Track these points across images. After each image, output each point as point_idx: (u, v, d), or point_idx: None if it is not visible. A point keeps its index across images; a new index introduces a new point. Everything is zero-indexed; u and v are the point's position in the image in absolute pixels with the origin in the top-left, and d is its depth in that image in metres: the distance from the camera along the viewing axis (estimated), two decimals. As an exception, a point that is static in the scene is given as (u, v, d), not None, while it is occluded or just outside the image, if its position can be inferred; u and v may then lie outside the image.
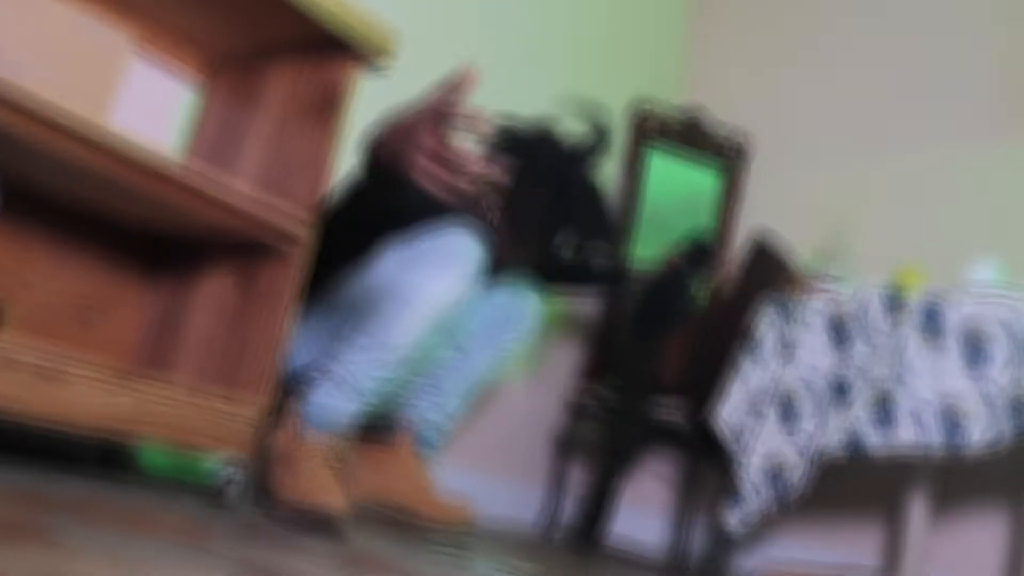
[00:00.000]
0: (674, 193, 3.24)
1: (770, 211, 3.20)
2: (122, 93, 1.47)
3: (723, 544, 2.84)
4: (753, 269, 2.56)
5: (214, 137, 1.69)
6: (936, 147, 3.01)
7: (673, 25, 3.57)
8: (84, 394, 1.20)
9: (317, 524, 1.46)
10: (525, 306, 2.01)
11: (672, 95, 3.47)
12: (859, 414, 1.94)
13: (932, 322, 1.93)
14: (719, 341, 2.54)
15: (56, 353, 1.19)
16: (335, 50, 1.55)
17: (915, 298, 1.98)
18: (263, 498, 1.59)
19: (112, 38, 1.28)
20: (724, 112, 3.34)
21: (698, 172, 3.28)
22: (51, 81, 1.22)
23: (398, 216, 1.67)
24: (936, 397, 1.90)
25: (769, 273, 2.52)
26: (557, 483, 2.95)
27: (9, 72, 1.21)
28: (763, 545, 2.85)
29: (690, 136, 3.27)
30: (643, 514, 3.10)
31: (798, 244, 2.78)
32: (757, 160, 3.33)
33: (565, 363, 3.06)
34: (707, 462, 2.86)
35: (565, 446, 2.93)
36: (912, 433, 1.88)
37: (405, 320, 1.62)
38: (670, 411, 2.64)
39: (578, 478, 3.13)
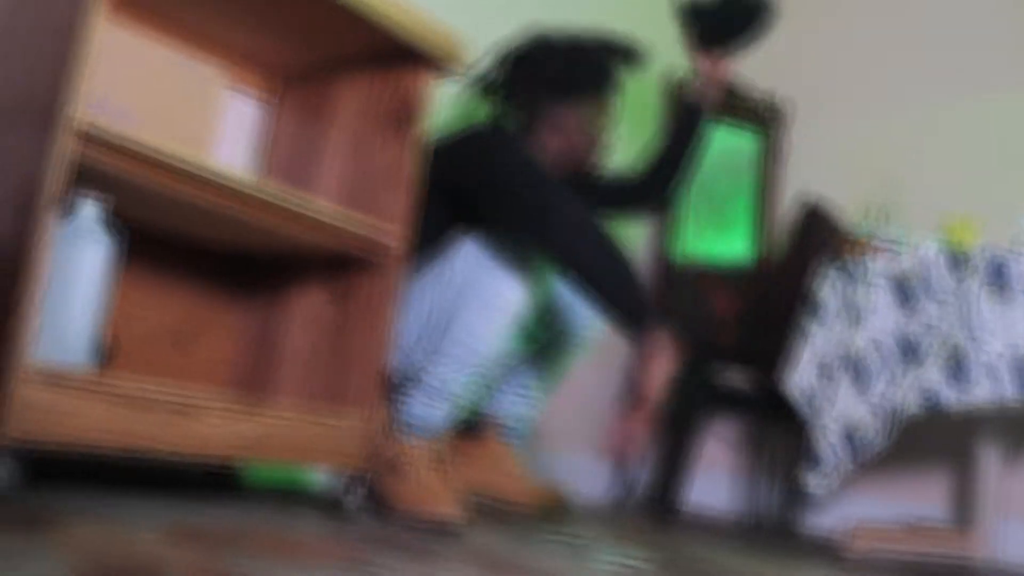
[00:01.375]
0: (713, 160, 3.22)
1: (815, 172, 3.18)
2: (218, 123, 1.48)
3: (795, 505, 2.88)
4: (806, 233, 2.57)
5: (289, 155, 1.70)
6: (984, 94, 2.97)
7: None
8: (214, 426, 1.23)
9: (435, 530, 1.50)
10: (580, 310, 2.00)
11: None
12: (932, 371, 1.97)
13: (998, 275, 1.95)
14: (775, 306, 2.56)
15: (188, 389, 1.21)
16: (407, 60, 1.56)
17: (978, 252, 1.99)
18: (378, 506, 1.62)
19: (205, 72, 1.29)
20: (758, 75, 3.31)
21: (736, 137, 3.28)
22: (155, 121, 1.23)
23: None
24: (1008, 349, 1.93)
25: (823, 236, 2.53)
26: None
27: (117, 118, 1.22)
28: (832, 503, 2.89)
29: (725, 102, 3.25)
30: (713, 479, 3.13)
31: (847, 203, 2.78)
32: (798, 120, 3.31)
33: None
34: (775, 426, 2.91)
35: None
36: (987, 386, 1.91)
37: (489, 325, 1.65)
38: (731, 376, 2.67)
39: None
